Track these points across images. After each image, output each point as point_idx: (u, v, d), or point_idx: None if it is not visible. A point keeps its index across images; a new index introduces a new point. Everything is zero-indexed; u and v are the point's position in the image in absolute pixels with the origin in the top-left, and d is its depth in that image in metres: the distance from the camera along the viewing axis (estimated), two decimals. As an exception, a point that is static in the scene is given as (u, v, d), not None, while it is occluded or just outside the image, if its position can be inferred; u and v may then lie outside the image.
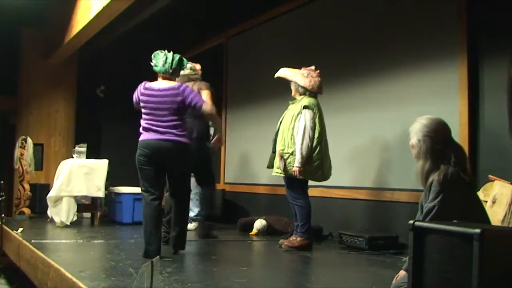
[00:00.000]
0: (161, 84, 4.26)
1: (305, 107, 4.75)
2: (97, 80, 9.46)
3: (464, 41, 4.47)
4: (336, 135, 5.58)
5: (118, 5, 5.58)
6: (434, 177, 2.75)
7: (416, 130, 2.90)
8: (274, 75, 5.06)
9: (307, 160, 4.70)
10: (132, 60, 9.39)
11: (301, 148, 4.68)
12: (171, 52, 4.33)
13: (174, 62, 4.26)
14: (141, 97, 4.24)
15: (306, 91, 4.84)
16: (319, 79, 4.86)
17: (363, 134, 5.48)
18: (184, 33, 9.04)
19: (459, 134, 4.40)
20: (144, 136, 4.20)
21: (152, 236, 4.15)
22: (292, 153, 4.72)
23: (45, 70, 8.43)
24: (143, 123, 4.23)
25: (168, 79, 4.28)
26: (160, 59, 4.27)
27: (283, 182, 4.95)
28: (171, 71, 4.26)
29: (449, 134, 2.93)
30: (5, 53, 8.41)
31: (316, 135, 4.74)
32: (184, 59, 4.39)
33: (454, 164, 2.77)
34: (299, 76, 4.87)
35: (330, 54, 5.94)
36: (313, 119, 4.74)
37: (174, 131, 4.16)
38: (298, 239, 4.77)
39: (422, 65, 4.87)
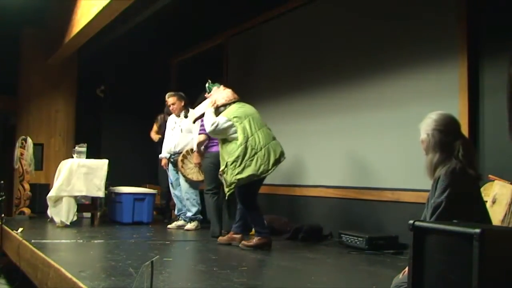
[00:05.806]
0: None
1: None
2: (97, 80, 9.45)
3: (464, 41, 4.48)
4: (337, 135, 5.58)
5: (118, 5, 5.58)
6: (441, 172, 2.76)
7: (426, 125, 2.92)
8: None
9: (233, 166, 4.71)
10: (132, 60, 9.40)
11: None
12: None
13: None
14: None
15: (227, 105, 5.04)
16: (226, 89, 5.19)
17: (363, 135, 5.48)
18: (184, 33, 9.04)
19: (459, 134, 4.40)
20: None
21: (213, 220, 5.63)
22: (226, 165, 4.77)
23: (45, 70, 8.40)
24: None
25: None
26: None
27: (282, 182, 4.95)
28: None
29: (459, 128, 2.94)
30: (5, 53, 8.39)
31: (238, 142, 4.76)
32: None
33: (462, 157, 2.78)
34: (212, 102, 5.09)
35: (330, 54, 5.94)
36: (227, 121, 4.82)
37: None
38: (255, 239, 4.81)
39: (422, 65, 4.87)
